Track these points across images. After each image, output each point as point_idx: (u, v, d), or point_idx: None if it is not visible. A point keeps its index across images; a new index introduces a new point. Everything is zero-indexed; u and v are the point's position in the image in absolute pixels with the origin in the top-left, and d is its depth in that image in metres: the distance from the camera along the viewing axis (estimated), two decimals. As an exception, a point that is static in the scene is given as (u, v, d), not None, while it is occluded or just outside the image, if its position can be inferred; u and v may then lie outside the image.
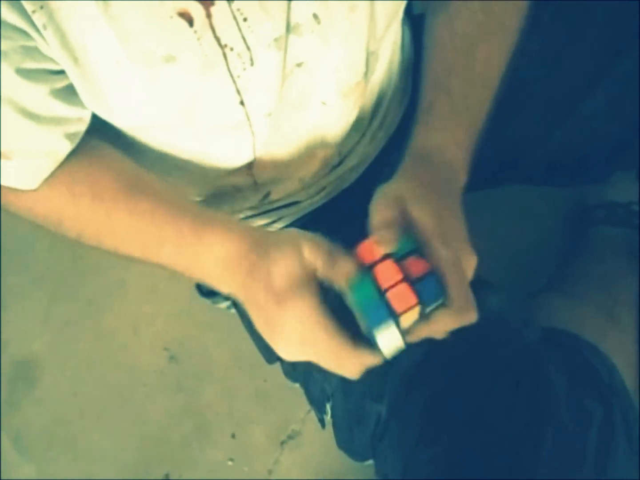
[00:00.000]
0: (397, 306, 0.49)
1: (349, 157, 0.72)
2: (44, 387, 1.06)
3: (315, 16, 0.53)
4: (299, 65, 0.56)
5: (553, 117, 0.77)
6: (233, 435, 1.00)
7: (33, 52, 0.49)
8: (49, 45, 0.48)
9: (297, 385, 0.80)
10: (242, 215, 0.73)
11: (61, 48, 0.48)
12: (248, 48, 0.52)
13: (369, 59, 0.61)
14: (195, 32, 0.49)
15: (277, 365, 0.82)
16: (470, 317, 0.50)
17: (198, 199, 0.70)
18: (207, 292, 0.89)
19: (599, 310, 0.78)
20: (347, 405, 0.70)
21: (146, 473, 1.00)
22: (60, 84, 0.52)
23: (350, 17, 0.55)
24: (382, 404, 0.66)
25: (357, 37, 0.57)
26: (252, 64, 0.53)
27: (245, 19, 0.50)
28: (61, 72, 0.51)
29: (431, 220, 0.50)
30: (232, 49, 0.51)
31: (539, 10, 0.64)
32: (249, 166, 0.65)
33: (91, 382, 1.05)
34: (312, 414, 0.93)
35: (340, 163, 0.72)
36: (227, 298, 0.86)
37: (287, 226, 0.73)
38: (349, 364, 0.52)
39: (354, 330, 0.51)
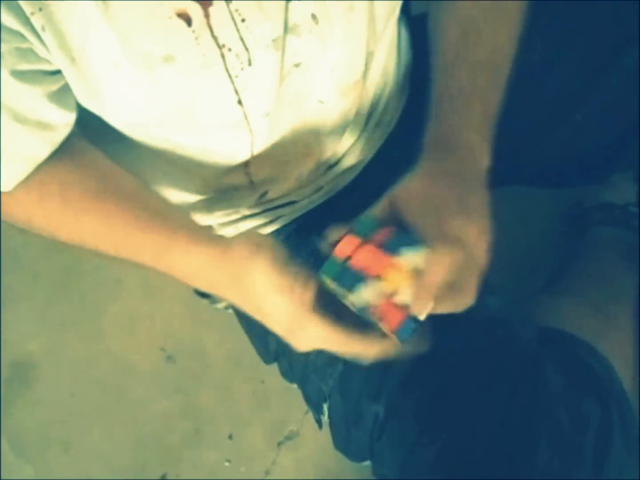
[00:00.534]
0: (364, 264, 0.49)
1: (346, 157, 0.72)
2: (40, 388, 1.05)
3: (313, 16, 0.53)
4: (296, 65, 0.56)
5: (552, 118, 0.77)
6: (230, 436, 1.00)
7: (27, 53, 0.49)
8: (47, 46, 0.48)
9: (295, 385, 0.80)
10: (239, 215, 0.73)
11: (59, 49, 0.48)
12: (246, 48, 0.52)
13: (369, 58, 0.61)
14: (193, 32, 0.49)
15: (275, 365, 0.82)
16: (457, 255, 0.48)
17: (195, 198, 0.70)
18: (204, 292, 0.89)
19: (596, 311, 0.78)
20: (344, 406, 0.70)
21: (143, 474, 0.99)
22: (53, 86, 0.52)
23: (349, 16, 0.55)
24: (379, 404, 0.66)
25: (356, 36, 0.57)
26: (250, 64, 0.53)
27: (243, 20, 0.50)
28: (55, 73, 0.51)
29: (421, 217, 0.50)
30: (230, 49, 0.51)
31: (538, 11, 0.64)
32: (246, 165, 0.65)
33: (88, 382, 1.05)
34: (310, 414, 0.93)
35: (337, 163, 0.72)
36: (224, 298, 0.86)
37: (285, 226, 0.73)
38: (360, 347, 0.53)
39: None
